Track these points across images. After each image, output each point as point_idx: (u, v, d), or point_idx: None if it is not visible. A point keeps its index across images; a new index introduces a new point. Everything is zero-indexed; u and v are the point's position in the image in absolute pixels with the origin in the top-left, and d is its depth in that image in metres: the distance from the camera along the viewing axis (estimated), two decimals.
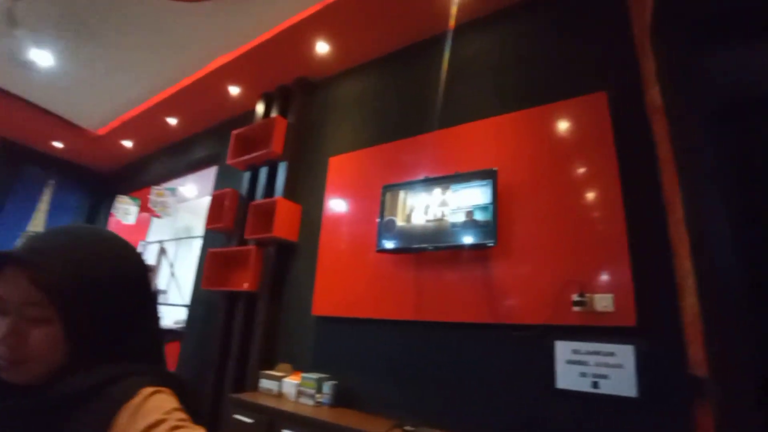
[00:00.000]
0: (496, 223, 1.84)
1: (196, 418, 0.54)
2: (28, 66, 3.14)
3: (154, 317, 0.65)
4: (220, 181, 3.69)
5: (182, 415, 0.52)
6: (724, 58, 1.59)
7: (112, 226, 5.06)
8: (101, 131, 4.36)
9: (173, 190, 4.28)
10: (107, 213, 5.20)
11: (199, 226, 5.44)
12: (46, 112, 4.01)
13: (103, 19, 2.75)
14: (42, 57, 3.15)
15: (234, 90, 3.39)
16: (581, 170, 1.82)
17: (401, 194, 2.20)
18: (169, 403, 0.53)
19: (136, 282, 0.62)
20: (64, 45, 3.02)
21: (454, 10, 2.35)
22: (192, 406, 0.57)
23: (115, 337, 0.57)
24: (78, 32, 2.87)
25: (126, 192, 4.98)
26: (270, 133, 2.99)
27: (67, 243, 0.56)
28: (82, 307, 0.54)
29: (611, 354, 1.56)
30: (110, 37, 2.92)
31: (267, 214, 2.81)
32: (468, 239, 1.89)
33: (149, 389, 0.53)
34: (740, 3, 1.37)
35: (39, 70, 3.30)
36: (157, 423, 0.48)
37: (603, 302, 1.60)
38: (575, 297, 1.64)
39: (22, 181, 4.84)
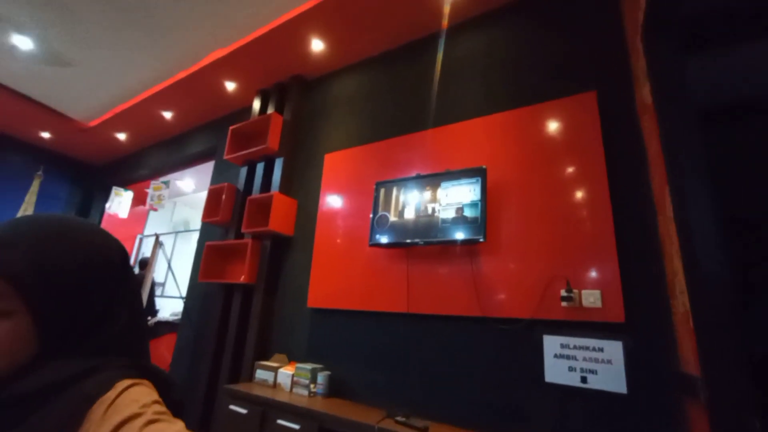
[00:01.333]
0: (485, 219, 1.86)
1: (178, 411, 0.53)
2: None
3: (134, 308, 0.61)
4: (218, 176, 3.70)
5: (160, 408, 0.50)
6: (716, 58, 1.59)
7: (106, 219, 5.04)
8: (93, 123, 4.30)
9: (167, 183, 4.29)
10: (100, 206, 5.11)
11: (196, 220, 5.45)
12: (31, 101, 3.89)
13: (90, 2, 2.63)
14: (22, 42, 3.04)
15: (230, 85, 3.39)
16: (570, 168, 1.84)
17: (394, 190, 2.23)
18: (147, 396, 0.50)
19: (110, 270, 0.58)
20: (47, 31, 2.91)
21: (447, 9, 2.35)
22: (173, 399, 0.55)
23: (88, 329, 0.54)
24: (61, 17, 2.76)
25: (121, 185, 4.94)
26: (266, 129, 3.00)
27: (31, 231, 0.53)
28: (49, 297, 0.51)
29: (600, 349, 1.57)
30: (98, 23, 2.83)
31: (263, 209, 2.83)
32: (458, 235, 1.91)
33: (125, 382, 0.51)
34: (732, 5, 1.37)
35: (20, 56, 3.18)
36: (133, 417, 0.45)
37: (590, 298, 1.62)
38: (563, 292, 1.66)
39: (7, 171, 4.60)
